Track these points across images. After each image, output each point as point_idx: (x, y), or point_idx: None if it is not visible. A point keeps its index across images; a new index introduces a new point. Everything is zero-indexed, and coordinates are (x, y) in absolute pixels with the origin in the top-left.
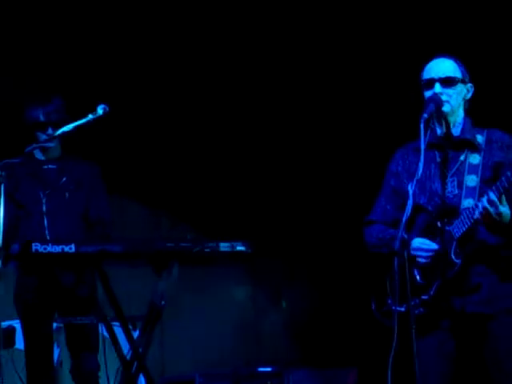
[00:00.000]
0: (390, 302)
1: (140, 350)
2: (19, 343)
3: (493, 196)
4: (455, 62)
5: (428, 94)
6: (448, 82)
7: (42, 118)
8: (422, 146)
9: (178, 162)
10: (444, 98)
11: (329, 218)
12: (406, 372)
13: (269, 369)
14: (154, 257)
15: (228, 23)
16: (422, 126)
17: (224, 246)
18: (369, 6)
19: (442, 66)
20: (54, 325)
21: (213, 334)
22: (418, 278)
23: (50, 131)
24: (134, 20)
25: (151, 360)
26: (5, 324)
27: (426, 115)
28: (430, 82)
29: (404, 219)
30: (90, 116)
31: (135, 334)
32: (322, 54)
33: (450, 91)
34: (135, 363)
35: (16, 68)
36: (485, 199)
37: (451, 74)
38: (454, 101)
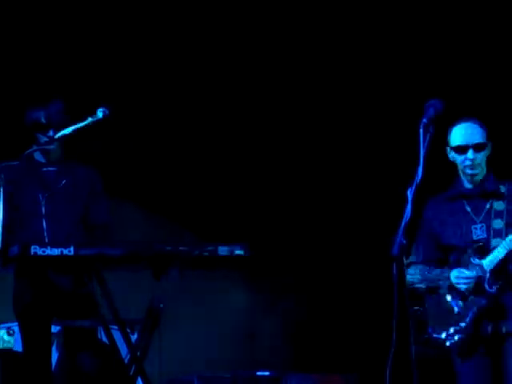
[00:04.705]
0: (430, 330)
1: (138, 353)
2: (18, 346)
3: None
4: (481, 126)
5: (460, 158)
6: (479, 147)
7: (43, 119)
8: (422, 151)
9: (176, 166)
10: (477, 161)
11: (327, 223)
12: (403, 377)
13: (267, 373)
14: (152, 260)
15: (228, 24)
16: (421, 131)
17: (223, 250)
18: (369, 8)
19: (474, 133)
20: (53, 328)
21: (211, 338)
22: (455, 308)
23: (51, 133)
24: (133, 23)
25: (149, 363)
26: (4, 326)
27: (425, 120)
28: (464, 148)
29: (403, 224)
30: (90, 119)
31: (133, 338)
32: (327, 60)
33: (480, 156)
34: (133, 366)
35: (16, 70)
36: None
37: (482, 140)
38: (484, 163)
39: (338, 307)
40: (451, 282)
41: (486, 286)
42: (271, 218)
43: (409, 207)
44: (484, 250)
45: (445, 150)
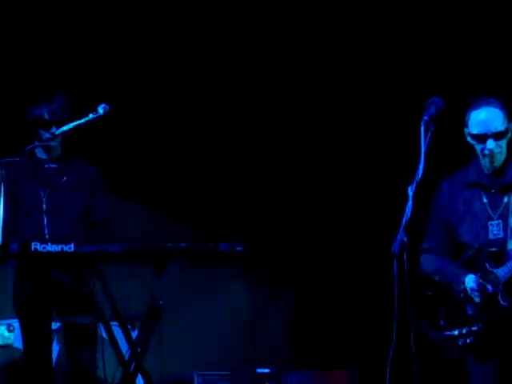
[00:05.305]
0: (442, 324)
1: (138, 349)
2: (18, 342)
3: None
4: (501, 109)
5: (479, 146)
6: (499, 135)
7: (46, 116)
8: (423, 149)
9: (177, 163)
10: (497, 150)
11: (328, 221)
12: (404, 373)
13: (267, 370)
14: (153, 257)
15: (228, 23)
16: (422, 128)
17: (223, 247)
18: (369, 6)
19: (494, 121)
20: (53, 324)
21: (211, 335)
22: (469, 309)
23: (53, 130)
24: (134, 20)
25: (149, 360)
26: (4, 323)
27: (426, 118)
28: (483, 137)
29: (404, 221)
30: (91, 115)
31: (134, 334)
32: (327, 56)
33: (501, 143)
34: (133, 363)
35: (18, 66)
36: None
37: (503, 128)
38: (505, 149)
39: (339, 304)
40: (465, 289)
41: (500, 300)
42: (271, 214)
43: (410, 205)
44: (500, 255)
45: (463, 132)
